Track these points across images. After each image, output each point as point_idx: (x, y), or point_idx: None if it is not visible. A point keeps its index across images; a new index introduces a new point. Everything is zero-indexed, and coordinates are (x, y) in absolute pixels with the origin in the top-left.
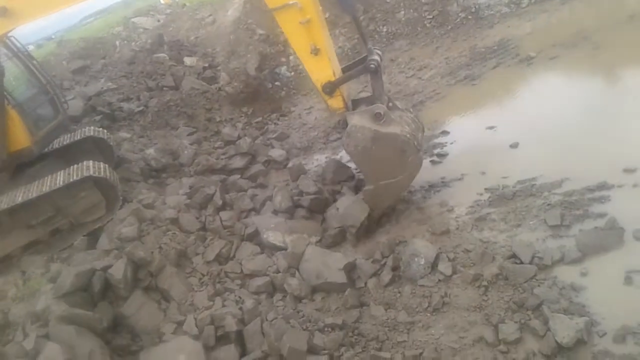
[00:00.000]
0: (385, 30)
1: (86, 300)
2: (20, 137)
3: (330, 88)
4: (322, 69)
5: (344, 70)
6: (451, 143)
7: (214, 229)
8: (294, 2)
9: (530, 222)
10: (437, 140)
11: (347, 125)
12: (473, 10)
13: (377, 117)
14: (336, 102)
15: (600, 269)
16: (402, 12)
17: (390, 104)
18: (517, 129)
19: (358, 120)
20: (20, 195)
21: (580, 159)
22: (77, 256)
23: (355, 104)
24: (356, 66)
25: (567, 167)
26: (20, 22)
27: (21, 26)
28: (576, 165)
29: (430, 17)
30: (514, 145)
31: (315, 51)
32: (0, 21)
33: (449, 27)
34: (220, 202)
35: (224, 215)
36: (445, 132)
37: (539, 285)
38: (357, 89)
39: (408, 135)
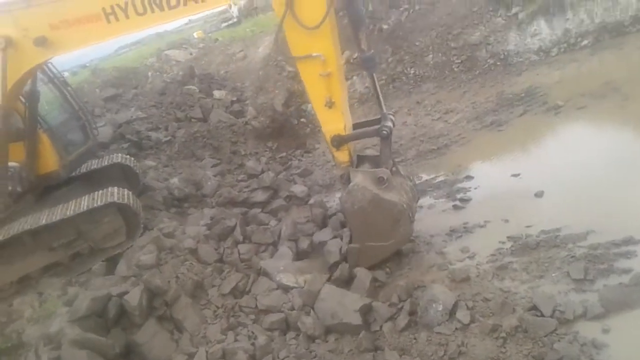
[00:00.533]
0: (413, 72)
1: (100, 326)
2: (50, 161)
3: (339, 142)
4: (334, 121)
5: (355, 126)
6: (475, 188)
7: (232, 262)
8: (317, 54)
9: (553, 274)
10: (460, 185)
11: (349, 181)
12: (502, 56)
13: (379, 181)
14: (342, 156)
15: (623, 327)
16: (431, 56)
17: (394, 169)
18: (542, 177)
19: (361, 180)
20: (44, 217)
21: (606, 212)
22: (95, 281)
23: (360, 160)
24: (368, 125)
25: (592, 220)
26: (58, 52)
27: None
28: (602, 218)
29: (459, 61)
30: (539, 194)
31: (330, 104)
32: (39, 50)
33: (477, 72)
34: (240, 236)
35: (243, 248)
36: (469, 177)
37: (559, 340)
38: (364, 143)
39: (405, 205)
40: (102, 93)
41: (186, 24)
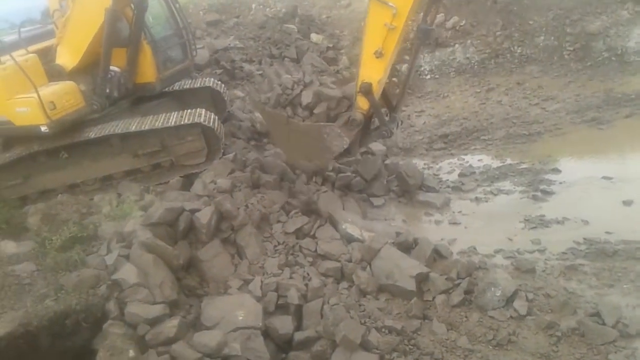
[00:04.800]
0: (519, 51)
1: (169, 235)
2: (148, 72)
3: (366, 91)
4: (373, 70)
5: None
6: (560, 183)
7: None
8: (392, 5)
9: (625, 286)
10: (545, 176)
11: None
12: (619, 52)
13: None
14: (363, 103)
15: None
16: (542, 38)
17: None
18: (635, 186)
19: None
20: (134, 124)
21: None
22: (171, 194)
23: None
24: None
25: None
26: None
27: None
28: None
29: (571, 49)
30: (628, 203)
31: (379, 55)
32: None
33: (588, 63)
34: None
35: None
36: (556, 170)
37: (615, 352)
38: None
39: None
40: (206, 16)
41: None
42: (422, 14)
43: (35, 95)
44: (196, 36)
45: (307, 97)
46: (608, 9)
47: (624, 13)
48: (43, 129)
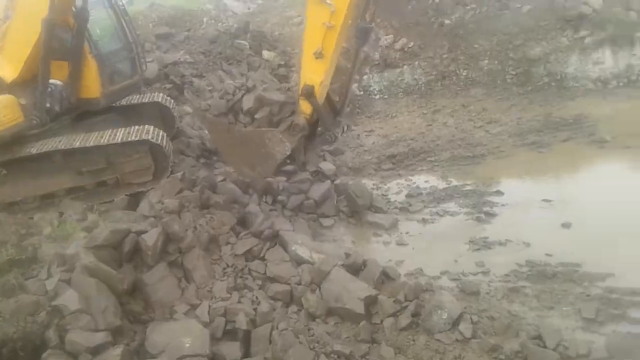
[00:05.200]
0: (465, 74)
1: (114, 258)
2: (92, 87)
3: (308, 94)
4: (314, 72)
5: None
6: (502, 205)
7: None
8: (330, 2)
9: (564, 308)
10: (488, 198)
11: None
12: (558, 77)
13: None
14: (305, 106)
15: None
16: (486, 61)
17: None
18: (573, 208)
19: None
20: (78, 141)
21: (632, 258)
22: (116, 213)
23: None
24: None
25: (615, 262)
26: None
27: None
28: (625, 263)
29: (514, 73)
30: (566, 225)
31: (319, 55)
32: None
33: (529, 88)
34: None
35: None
36: (499, 192)
37: None
38: None
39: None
40: (155, 29)
41: None
42: None
43: None
44: (145, 49)
45: (248, 102)
46: (548, 35)
47: (563, 40)
48: None
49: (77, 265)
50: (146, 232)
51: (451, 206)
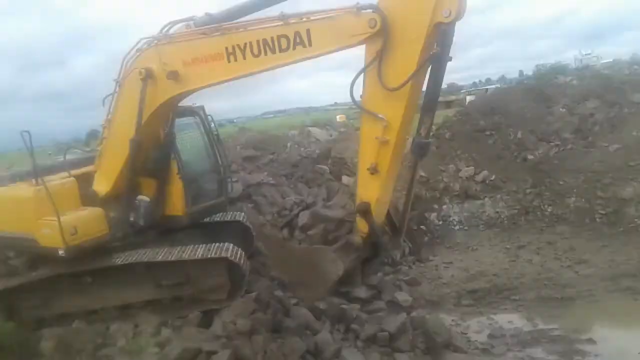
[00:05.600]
0: (550, 210)
1: None
2: (177, 205)
3: (363, 211)
4: (369, 189)
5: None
6: (595, 355)
7: None
8: (382, 117)
9: None
10: (579, 346)
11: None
12: None
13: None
14: (362, 225)
15: None
16: (573, 199)
17: None
18: None
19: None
20: (161, 254)
21: None
22: (189, 330)
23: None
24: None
25: None
26: (185, 88)
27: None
28: None
29: (603, 212)
30: None
31: (374, 171)
32: (170, 84)
33: (621, 229)
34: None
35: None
36: (591, 341)
37: None
38: None
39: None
40: (243, 151)
41: (332, 105)
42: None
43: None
44: (232, 170)
45: (303, 218)
46: (639, 176)
47: None
48: (60, 252)
49: None
50: (217, 352)
51: (538, 352)
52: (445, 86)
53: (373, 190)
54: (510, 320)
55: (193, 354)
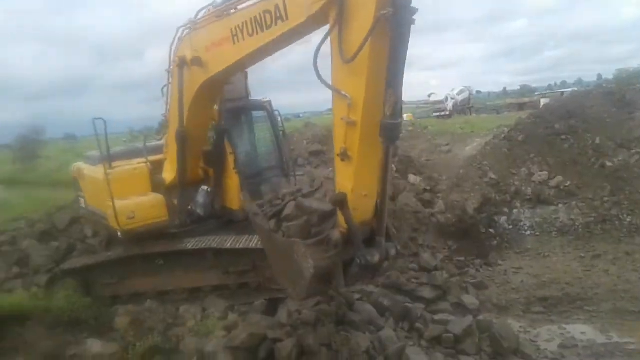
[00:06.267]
0: (629, 220)
1: None
2: (234, 199)
3: (339, 201)
4: (344, 177)
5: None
6: None
7: None
8: (345, 94)
9: None
10: None
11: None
12: None
13: None
14: (342, 220)
15: None
16: None
17: None
18: None
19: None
20: (229, 242)
21: None
22: (254, 316)
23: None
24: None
25: None
26: (207, 74)
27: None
28: None
29: None
30: None
31: (344, 157)
32: (197, 71)
33: None
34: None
35: None
36: None
37: None
38: None
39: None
40: (309, 146)
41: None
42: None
43: (118, 202)
44: (298, 164)
45: (289, 209)
46: None
47: None
48: (119, 234)
49: None
50: (282, 340)
51: None
52: (518, 88)
53: (347, 178)
54: (583, 331)
55: (259, 340)
